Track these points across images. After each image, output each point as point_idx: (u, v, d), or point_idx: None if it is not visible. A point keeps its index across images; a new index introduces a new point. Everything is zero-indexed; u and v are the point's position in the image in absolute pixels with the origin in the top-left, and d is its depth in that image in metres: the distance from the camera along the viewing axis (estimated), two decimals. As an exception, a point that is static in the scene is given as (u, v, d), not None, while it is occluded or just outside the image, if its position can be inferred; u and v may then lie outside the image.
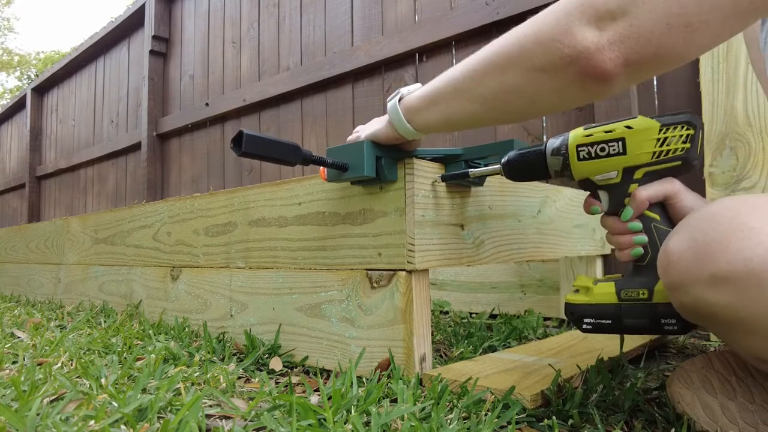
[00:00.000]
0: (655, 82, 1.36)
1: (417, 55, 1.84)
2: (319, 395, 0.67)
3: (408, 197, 0.75)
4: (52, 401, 0.63)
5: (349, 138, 0.79)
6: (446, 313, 1.48)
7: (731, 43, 1.14)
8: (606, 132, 0.59)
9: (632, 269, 0.60)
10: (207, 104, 2.68)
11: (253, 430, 0.56)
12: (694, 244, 0.45)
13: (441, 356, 0.92)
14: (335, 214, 0.85)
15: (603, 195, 0.62)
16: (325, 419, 0.56)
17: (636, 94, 1.29)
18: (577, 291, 0.63)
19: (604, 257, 1.26)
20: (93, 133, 3.79)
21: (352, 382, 0.67)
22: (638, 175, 0.58)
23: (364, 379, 0.76)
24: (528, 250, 0.96)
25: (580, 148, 0.61)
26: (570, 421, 0.58)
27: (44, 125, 4.49)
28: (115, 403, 0.60)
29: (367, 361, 0.78)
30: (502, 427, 0.57)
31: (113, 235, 1.49)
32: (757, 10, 0.42)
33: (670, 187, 0.58)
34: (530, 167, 0.66)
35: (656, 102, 1.36)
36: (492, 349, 0.98)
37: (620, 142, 0.58)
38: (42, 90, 4.53)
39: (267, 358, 0.89)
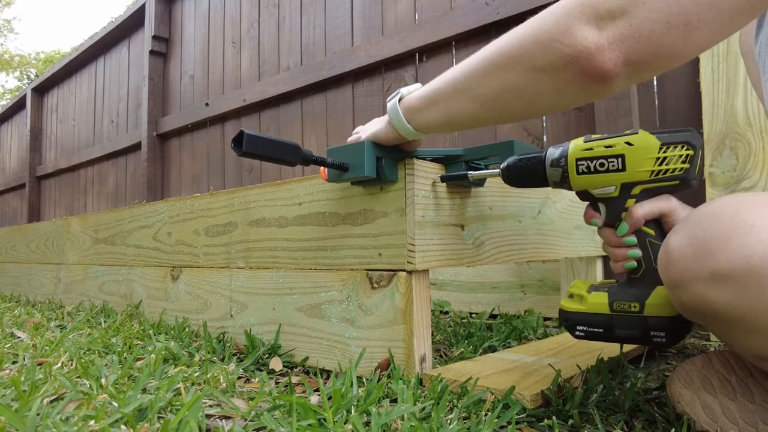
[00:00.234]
0: (655, 82, 1.36)
1: (417, 55, 1.84)
2: (319, 395, 0.67)
3: (408, 198, 0.75)
4: (52, 401, 0.63)
5: (350, 139, 0.79)
6: (446, 313, 1.48)
7: (731, 44, 1.14)
8: (606, 147, 0.59)
9: (626, 279, 0.61)
10: (207, 104, 2.68)
11: (253, 430, 0.56)
12: (694, 241, 0.45)
13: (441, 356, 0.92)
14: (335, 214, 0.85)
15: (601, 207, 0.62)
16: (325, 419, 0.56)
17: (636, 94, 1.29)
18: (571, 296, 0.64)
19: (605, 258, 1.26)
20: (93, 133, 3.79)
21: (352, 382, 0.67)
22: (636, 191, 0.59)
23: (364, 380, 0.76)
24: (528, 251, 0.96)
25: (579, 162, 0.61)
26: (570, 421, 0.58)
27: (44, 125, 4.49)
28: (115, 403, 0.60)
29: (367, 362, 0.78)
30: (502, 427, 0.57)
31: (113, 235, 1.49)
32: (754, 7, 0.42)
33: (666, 205, 0.58)
34: (529, 175, 0.66)
35: (656, 102, 1.36)
36: (492, 349, 0.98)
37: (620, 159, 0.58)
38: (42, 90, 4.53)
39: (267, 358, 0.89)
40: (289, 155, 0.68)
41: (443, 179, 0.78)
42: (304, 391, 0.72)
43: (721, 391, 0.54)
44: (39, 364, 0.81)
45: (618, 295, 0.60)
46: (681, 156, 0.55)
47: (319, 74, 2.11)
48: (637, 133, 0.57)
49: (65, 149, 4.13)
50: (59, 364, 0.82)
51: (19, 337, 1.10)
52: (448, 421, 0.56)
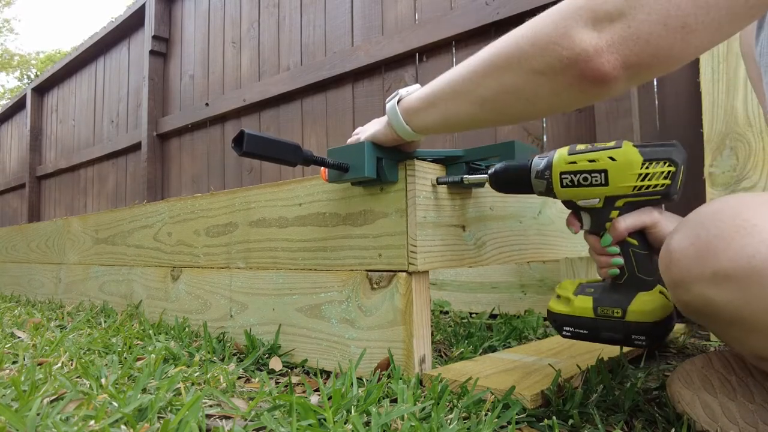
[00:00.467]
0: (655, 82, 1.36)
1: (417, 55, 1.84)
2: (319, 395, 0.67)
3: (409, 198, 0.75)
4: (52, 401, 0.63)
5: (350, 140, 0.79)
6: (446, 313, 1.48)
7: (731, 44, 1.14)
8: (590, 161, 0.60)
9: (611, 283, 0.62)
10: (207, 104, 2.68)
11: (253, 430, 0.56)
12: (696, 241, 0.45)
13: (441, 356, 0.92)
14: (336, 214, 0.85)
15: (585, 216, 0.64)
16: (325, 419, 0.56)
17: (636, 95, 1.29)
18: (559, 298, 0.66)
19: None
20: (93, 133, 3.79)
21: (352, 383, 0.67)
22: (619, 203, 0.60)
23: (364, 380, 0.76)
24: (529, 251, 0.96)
25: (563, 175, 0.62)
26: (570, 421, 0.59)
27: (44, 125, 4.49)
28: (115, 403, 0.60)
29: (367, 362, 0.78)
30: (502, 427, 0.57)
31: (114, 235, 1.49)
32: (752, 10, 0.42)
33: (649, 218, 0.59)
34: (516, 183, 0.68)
35: (656, 102, 1.36)
36: (492, 349, 0.98)
37: (603, 174, 0.59)
38: (42, 90, 4.53)
39: (267, 358, 0.89)
40: (290, 155, 0.68)
41: (439, 182, 0.78)
42: (304, 391, 0.72)
43: (721, 391, 0.54)
44: (39, 364, 0.81)
45: (602, 300, 0.62)
46: (663, 172, 0.56)
47: (319, 74, 2.11)
48: (621, 147, 0.58)
49: (65, 149, 4.13)
50: (59, 364, 0.82)
51: (19, 337, 1.10)
52: (448, 421, 0.56)
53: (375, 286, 0.78)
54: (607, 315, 0.61)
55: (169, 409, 0.60)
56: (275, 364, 0.85)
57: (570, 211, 0.66)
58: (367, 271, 0.80)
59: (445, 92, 0.61)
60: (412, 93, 0.68)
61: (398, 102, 0.69)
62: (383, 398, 0.65)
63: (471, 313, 1.47)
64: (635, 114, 1.28)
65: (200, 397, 0.55)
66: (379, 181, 0.76)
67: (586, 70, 0.46)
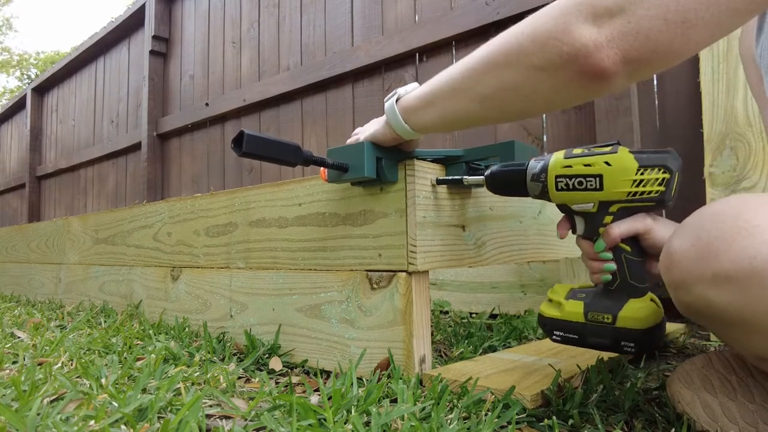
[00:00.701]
0: (655, 81, 1.36)
1: (417, 55, 1.84)
2: (319, 395, 0.67)
3: (409, 198, 0.75)
4: (52, 401, 0.63)
5: (349, 140, 0.80)
6: (446, 313, 1.48)
7: (732, 44, 1.14)
8: (585, 165, 0.60)
9: (602, 289, 0.63)
10: (207, 104, 2.68)
11: (254, 430, 0.56)
12: (697, 242, 0.44)
13: (441, 356, 0.92)
14: (335, 214, 0.85)
15: (579, 220, 0.64)
16: (325, 419, 0.56)
17: (636, 93, 1.29)
18: (550, 301, 0.67)
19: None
20: (93, 133, 3.79)
21: (352, 383, 0.67)
22: (613, 209, 0.60)
23: (364, 380, 0.76)
24: (529, 252, 0.96)
25: (558, 179, 0.62)
26: (570, 421, 0.58)
27: (44, 125, 4.49)
28: (115, 403, 0.60)
29: (367, 362, 0.78)
30: (502, 427, 0.57)
31: (114, 235, 1.49)
32: (752, 5, 0.42)
33: (642, 225, 0.60)
34: (511, 185, 0.68)
35: (656, 101, 1.36)
36: (492, 349, 0.98)
37: (598, 179, 0.59)
38: (42, 90, 4.53)
39: (267, 358, 0.89)
40: (290, 155, 0.68)
41: (439, 182, 0.78)
42: (304, 391, 0.72)
43: (722, 391, 0.54)
44: (39, 364, 0.81)
45: (593, 305, 0.62)
46: (657, 179, 0.57)
47: (319, 74, 2.11)
48: (617, 153, 0.58)
49: (65, 149, 4.13)
50: (59, 364, 0.82)
51: (19, 337, 1.10)
52: (448, 421, 0.56)
53: (375, 286, 0.78)
54: (598, 320, 0.61)
55: (169, 409, 0.60)
56: (275, 364, 0.85)
57: (563, 215, 0.66)
58: (367, 271, 0.80)
59: (443, 90, 0.61)
60: (410, 92, 0.68)
61: (396, 101, 0.69)
62: (383, 398, 0.65)
63: (471, 313, 1.47)
64: (635, 113, 1.28)
65: (200, 397, 0.55)
66: (378, 181, 0.76)
67: (586, 66, 0.46)
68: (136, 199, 3.18)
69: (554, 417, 0.56)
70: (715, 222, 0.44)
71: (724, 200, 0.46)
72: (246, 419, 0.59)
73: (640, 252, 0.61)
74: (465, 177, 0.75)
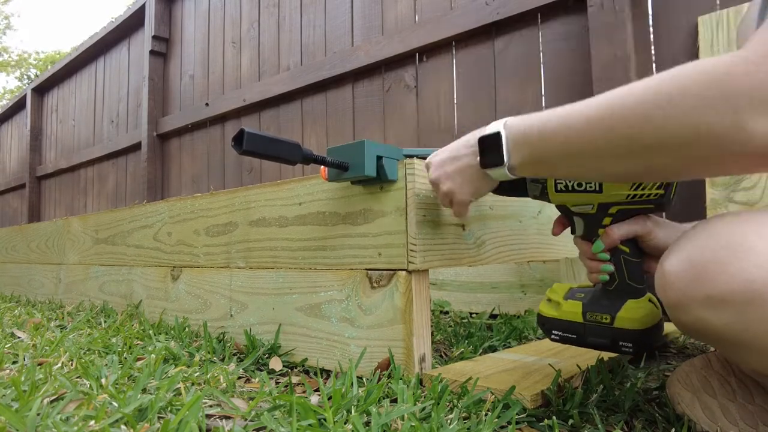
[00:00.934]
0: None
1: (417, 55, 1.84)
2: (319, 395, 0.67)
3: (409, 197, 0.75)
4: (52, 401, 0.63)
5: (428, 160, 0.70)
6: (446, 313, 1.48)
7: (731, 43, 1.14)
8: None
9: (601, 289, 0.63)
10: (207, 104, 2.68)
11: (254, 430, 0.56)
12: (690, 264, 0.44)
13: (441, 356, 0.92)
14: (335, 214, 0.85)
15: (578, 221, 0.64)
16: (325, 419, 0.56)
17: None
18: (549, 301, 0.67)
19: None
20: (93, 133, 3.79)
21: (352, 382, 0.67)
22: (613, 210, 0.60)
23: (364, 379, 0.76)
24: (529, 251, 0.96)
25: (558, 181, 0.62)
26: (570, 421, 0.58)
27: (44, 125, 4.49)
28: (115, 403, 0.60)
29: (367, 361, 0.78)
30: (502, 427, 0.57)
31: (114, 235, 1.49)
32: None
33: (641, 228, 0.59)
34: (511, 186, 0.68)
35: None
36: (492, 349, 0.98)
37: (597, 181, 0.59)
38: (42, 90, 4.54)
39: (267, 358, 0.89)
40: (290, 154, 0.68)
41: None
42: (304, 391, 0.72)
43: (721, 392, 0.54)
44: (39, 364, 0.81)
45: (591, 305, 0.62)
46: (656, 182, 0.57)
47: (319, 74, 2.11)
48: None
49: (65, 149, 4.13)
50: (59, 364, 0.82)
51: (19, 337, 1.10)
52: (448, 421, 0.56)
53: (375, 284, 0.78)
54: (596, 320, 0.61)
55: (169, 409, 0.60)
56: (275, 364, 0.85)
57: (558, 214, 0.67)
58: (366, 269, 0.79)
59: (569, 155, 0.51)
60: (513, 128, 0.56)
61: (507, 140, 0.56)
62: (383, 398, 0.65)
63: (471, 313, 1.47)
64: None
65: (200, 397, 0.55)
66: (378, 180, 0.76)
67: (754, 157, 0.41)
68: (136, 199, 3.18)
69: (554, 417, 0.56)
70: (709, 243, 0.43)
71: (718, 219, 0.45)
72: (246, 419, 0.59)
73: (638, 253, 0.61)
74: None
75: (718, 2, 1.25)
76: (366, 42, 1.96)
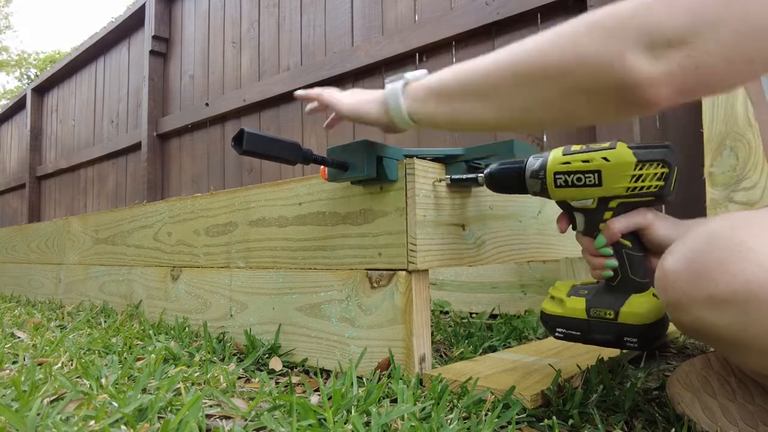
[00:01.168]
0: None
1: (417, 55, 1.84)
2: (319, 395, 0.67)
3: (409, 197, 0.75)
4: (52, 401, 0.63)
5: (312, 92, 0.77)
6: (446, 313, 1.48)
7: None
8: (583, 162, 0.60)
9: (604, 285, 0.63)
10: (207, 104, 2.68)
11: (254, 430, 0.56)
12: (691, 264, 0.44)
13: (441, 356, 0.92)
14: (335, 214, 0.85)
15: (579, 217, 0.64)
16: (325, 419, 0.56)
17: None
18: (552, 299, 0.66)
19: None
20: (93, 133, 3.79)
21: (352, 382, 0.67)
22: (613, 204, 0.60)
23: (364, 379, 0.76)
24: (529, 251, 0.96)
25: (557, 176, 0.62)
26: (570, 421, 0.58)
27: (44, 125, 4.49)
28: (115, 403, 0.60)
29: (367, 361, 0.78)
30: (502, 427, 0.57)
31: (114, 235, 1.49)
32: None
33: (643, 220, 0.59)
34: (511, 183, 0.68)
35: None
36: (492, 349, 0.98)
37: (596, 175, 0.59)
38: (42, 90, 4.54)
39: (267, 358, 0.89)
40: (290, 153, 0.68)
41: (453, 180, 0.77)
42: (304, 391, 0.72)
43: (721, 392, 0.54)
44: (39, 364, 0.81)
45: (595, 301, 0.62)
46: (656, 174, 0.57)
47: (319, 74, 2.11)
48: (615, 148, 0.58)
49: (65, 149, 4.13)
50: (59, 364, 0.82)
51: (19, 337, 1.10)
52: (448, 421, 0.56)
53: (375, 284, 0.78)
54: (600, 316, 0.61)
55: (169, 409, 0.60)
56: (275, 364, 0.85)
57: (561, 211, 0.66)
58: (366, 269, 0.80)
59: (464, 92, 0.57)
60: (419, 79, 0.63)
61: (404, 86, 0.64)
62: (383, 398, 0.65)
63: (471, 313, 1.47)
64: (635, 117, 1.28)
65: (200, 397, 0.55)
66: (378, 180, 0.76)
67: (636, 97, 0.44)
68: (136, 199, 3.18)
69: (554, 417, 0.56)
70: (710, 243, 0.43)
71: (719, 220, 0.45)
72: (246, 419, 0.59)
73: (641, 247, 0.60)
74: (479, 175, 0.75)
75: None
76: (366, 42, 1.96)
